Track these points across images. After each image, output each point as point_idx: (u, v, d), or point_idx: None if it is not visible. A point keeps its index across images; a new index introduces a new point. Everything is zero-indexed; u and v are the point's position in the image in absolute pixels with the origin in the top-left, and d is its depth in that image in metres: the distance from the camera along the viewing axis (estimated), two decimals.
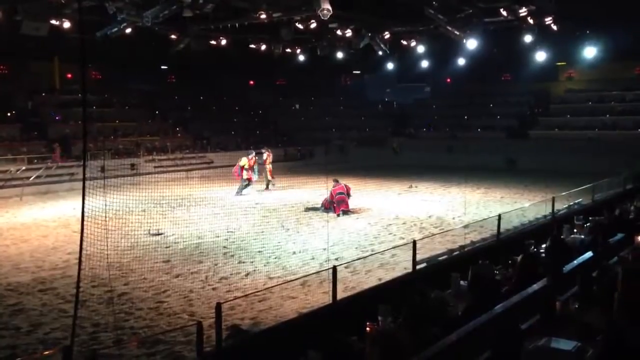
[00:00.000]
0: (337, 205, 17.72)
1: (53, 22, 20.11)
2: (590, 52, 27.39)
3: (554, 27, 21.46)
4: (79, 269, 6.94)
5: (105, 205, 11.09)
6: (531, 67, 30.49)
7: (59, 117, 30.94)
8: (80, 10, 12.93)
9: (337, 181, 18.29)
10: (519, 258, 7.53)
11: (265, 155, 24.15)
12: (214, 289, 10.60)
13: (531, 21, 20.74)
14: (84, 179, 6.96)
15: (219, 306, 6.24)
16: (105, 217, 10.73)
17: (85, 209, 7.09)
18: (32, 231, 16.09)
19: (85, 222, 7.05)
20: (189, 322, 8.60)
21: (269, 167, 24.09)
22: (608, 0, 21.80)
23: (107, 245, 9.83)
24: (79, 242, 6.79)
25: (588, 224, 10.10)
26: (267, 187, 23.85)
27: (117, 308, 9.31)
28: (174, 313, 9.34)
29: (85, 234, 7.24)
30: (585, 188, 16.70)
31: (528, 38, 22.56)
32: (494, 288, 6.46)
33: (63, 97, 32.06)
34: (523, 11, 19.57)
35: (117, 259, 11.78)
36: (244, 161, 22.58)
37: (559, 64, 37.21)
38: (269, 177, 24.06)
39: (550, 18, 20.96)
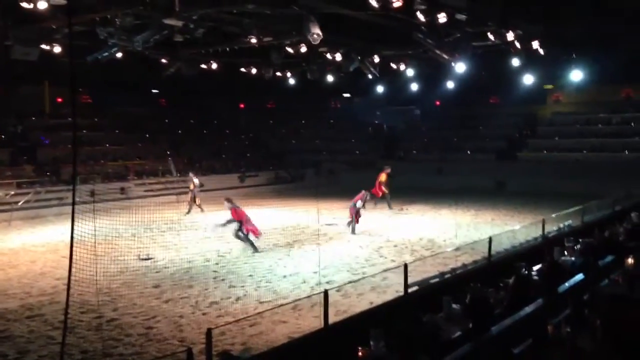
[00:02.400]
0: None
1: (44, 46, 20.15)
2: (577, 75, 27.76)
3: (541, 51, 21.71)
4: (68, 295, 6.87)
5: (95, 230, 11.00)
6: (519, 90, 30.80)
7: (48, 141, 30.82)
8: (70, 35, 12.96)
9: (230, 201, 16.61)
10: (511, 280, 7.53)
11: (196, 181, 23.89)
12: (204, 314, 10.52)
13: (518, 45, 20.97)
14: (73, 204, 6.93)
15: (209, 332, 6.18)
16: (94, 242, 10.64)
17: (74, 234, 7.04)
18: (20, 256, 15.93)
19: (74, 247, 7.00)
20: (179, 348, 8.51)
21: (196, 192, 23.72)
22: (594, 25, 22.12)
23: (96, 271, 9.75)
24: (67, 268, 6.74)
25: (578, 246, 10.12)
26: (188, 212, 23.27)
27: (105, 334, 9.21)
28: (164, 339, 9.24)
29: (74, 259, 7.18)
30: (575, 210, 16.79)
31: (515, 62, 22.83)
32: (490, 311, 6.43)
33: (53, 121, 31.95)
34: (510, 35, 19.80)
35: (106, 284, 11.69)
36: (382, 176, 23.65)
37: (547, 87, 37.60)
38: (192, 202, 23.58)
39: (537, 42, 21.23)
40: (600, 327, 3.27)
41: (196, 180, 23.82)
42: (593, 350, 4.16)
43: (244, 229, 15.86)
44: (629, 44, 24.54)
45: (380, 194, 23.87)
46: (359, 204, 18.97)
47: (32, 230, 20.59)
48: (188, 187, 24.01)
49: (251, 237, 15.96)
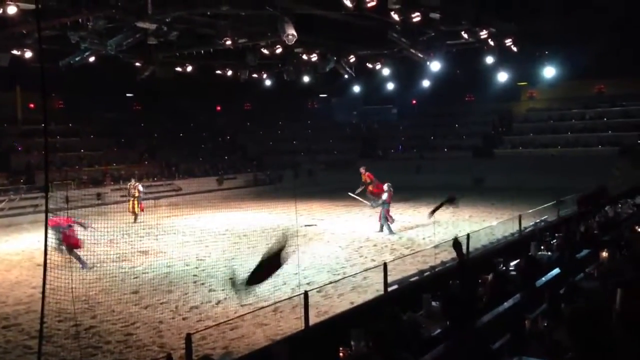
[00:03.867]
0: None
1: (14, 52, 19.86)
2: (549, 71, 28.07)
3: (514, 49, 21.98)
4: (43, 303, 6.75)
5: None
6: (494, 88, 31.17)
7: (21, 147, 30.34)
8: (39, 39, 12.77)
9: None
10: (489, 277, 7.58)
11: (141, 188, 22.73)
12: (184, 318, 10.43)
13: (492, 43, 21.22)
14: (46, 211, 6.83)
15: (189, 337, 6.14)
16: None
17: (50, 241, 6.93)
18: None
19: (49, 255, 6.89)
20: (159, 355, 8.43)
21: (135, 199, 22.31)
22: (565, 22, 22.43)
23: (71, 278, 9.60)
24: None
25: (555, 241, 10.25)
26: (135, 220, 21.94)
27: (84, 343, 9.07)
28: (144, 345, 9.15)
29: (49, 267, 7.06)
30: (551, 205, 17.00)
31: (489, 59, 23.06)
32: (469, 308, 6.46)
33: (25, 127, 31.49)
34: (483, 33, 20.00)
35: (83, 291, 11.52)
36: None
37: (521, 83, 38.02)
38: (136, 210, 22.33)
39: (510, 40, 21.48)
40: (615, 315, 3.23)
41: (141, 187, 22.75)
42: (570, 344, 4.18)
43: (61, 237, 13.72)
44: (599, 40, 24.90)
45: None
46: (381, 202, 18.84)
47: (6, 238, 20.24)
48: (132, 195, 22.48)
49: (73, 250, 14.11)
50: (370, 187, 22.63)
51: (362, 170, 22.81)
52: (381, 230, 18.57)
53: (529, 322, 5.18)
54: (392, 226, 18.72)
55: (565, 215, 16.27)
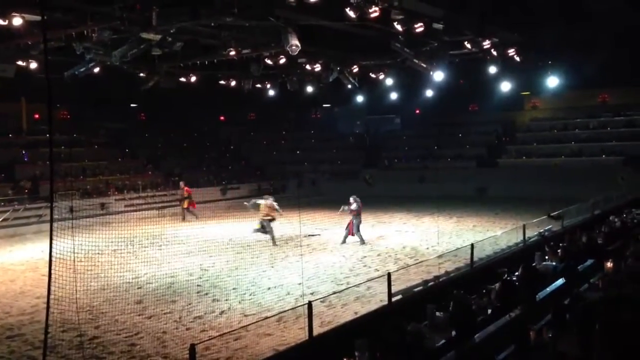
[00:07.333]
0: None
1: (20, 63, 19.99)
2: (553, 81, 28.03)
3: (517, 58, 22.04)
4: (47, 314, 6.78)
5: (74, 246, 10.87)
6: (497, 97, 31.10)
7: (26, 158, 30.45)
8: (45, 51, 12.84)
9: None
10: (496, 286, 7.55)
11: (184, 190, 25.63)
12: (188, 329, 10.41)
13: (495, 53, 21.28)
14: (51, 221, 6.86)
15: (192, 347, 6.13)
16: (74, 259, 10.50)
17: (54, 251, 6.95)
18: None
19: (53, 265, 6.91)
20: None
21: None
22: (568, 31, 22.47)
23: (76, 288, 9.61)
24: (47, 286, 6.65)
25: (559, 251, 10.21)
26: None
27: (87, 353, 9.07)
28: (147, 356, 9.13)
29: (53, 277, 7.08)
30: (544, 219, 16.95)
31: (493, 69, 23.07)
32: (473, 319, 6.44)
33: (30, 138, 31.60)
34: (486, 44, 20.06)
35: (87, 301, 11.54)
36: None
37: (524, 93, 37.96)
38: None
39: (513, 50, 21.54)
40: (597, 332, 3.24)
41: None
42: (576, 355, 4.17)
43: None
44: (603, 49, 24.93)
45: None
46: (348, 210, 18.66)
47: (10, 248, 20.27)
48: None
49: None
50: (186, 202, 25.72)
51: (181, 184, 26.67)
52: (362, 242, 18.21)
53: (533, 333, 5.15)
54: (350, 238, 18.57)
55: (570, 225, 16.24)
